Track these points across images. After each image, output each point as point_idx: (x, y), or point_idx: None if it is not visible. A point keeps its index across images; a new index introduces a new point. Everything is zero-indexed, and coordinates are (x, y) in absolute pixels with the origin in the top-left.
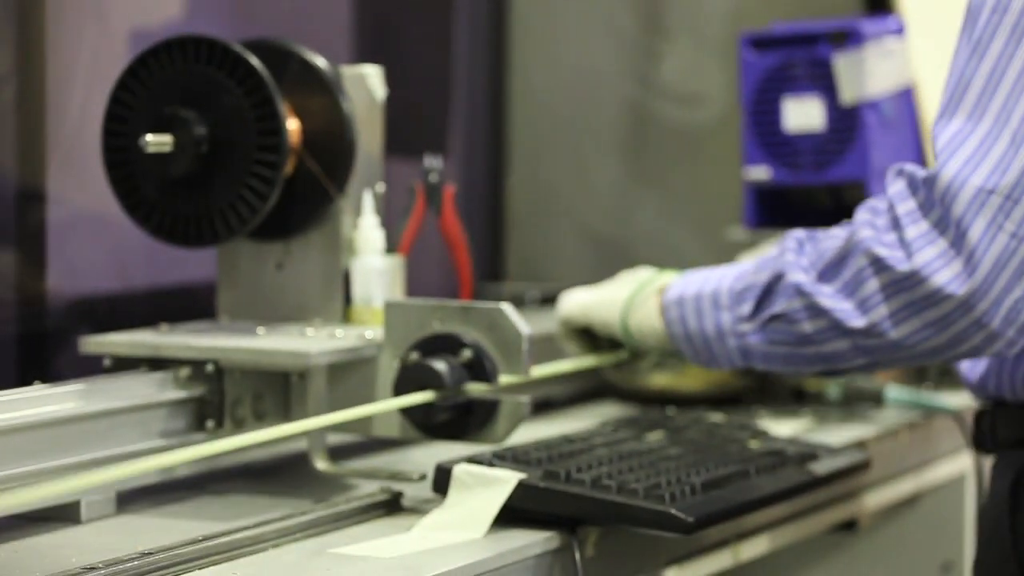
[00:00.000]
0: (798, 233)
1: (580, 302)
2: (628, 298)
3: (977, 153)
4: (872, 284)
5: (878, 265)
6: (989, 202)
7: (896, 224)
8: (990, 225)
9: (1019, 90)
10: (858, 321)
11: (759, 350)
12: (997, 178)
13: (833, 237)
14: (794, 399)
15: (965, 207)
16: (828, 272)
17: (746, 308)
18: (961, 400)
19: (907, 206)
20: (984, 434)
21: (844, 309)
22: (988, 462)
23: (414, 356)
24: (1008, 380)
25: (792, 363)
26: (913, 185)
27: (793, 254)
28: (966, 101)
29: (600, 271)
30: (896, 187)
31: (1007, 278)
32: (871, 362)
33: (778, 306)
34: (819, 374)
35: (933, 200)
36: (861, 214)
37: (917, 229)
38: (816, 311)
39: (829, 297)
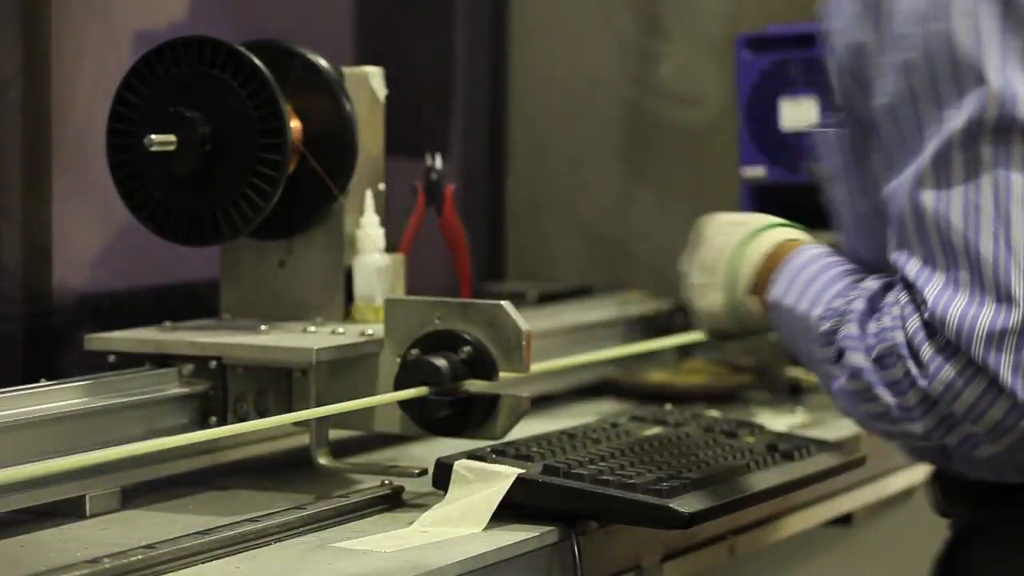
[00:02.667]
0: (871, 290)
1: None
2: (738, 250)
3: (947, 287)
4: (912, 396)
5: (909, 379)
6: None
7: (909, 347)
8: (1001, 351)
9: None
10: (915, 427)
11: (842, 404)
12: (976, 312)
13: (888, 314)
14: (790, 395)
15: (967, 343)
16: (882, 360)
17: (829, 353)
18: None
19: (913, 324)
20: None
21: (898, 406)
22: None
23: (415, 353)
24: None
25: (868, 429)
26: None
27: (857, 326)
28: (910, 238)
29: (599, 270)
30: (903, 311)
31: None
32: (909, 449)
33: (845, 380)
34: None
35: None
36: (893, 310)
37: (928, 350)
38: (875, 398)
39: (885, 391)
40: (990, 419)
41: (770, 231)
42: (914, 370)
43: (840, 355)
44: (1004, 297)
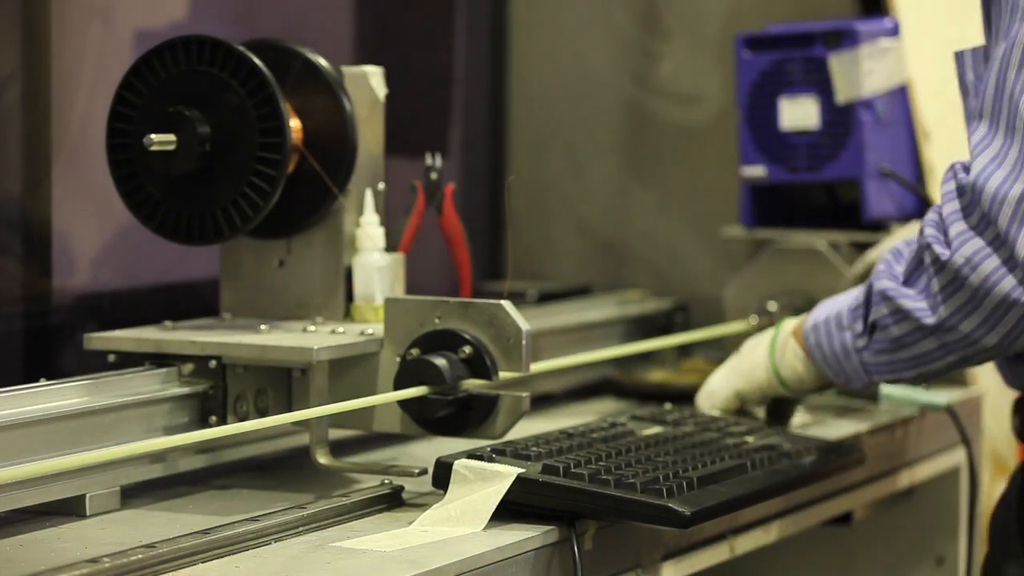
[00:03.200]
0: (895, 244)
1: (728, 388)
2: (769, 353)
3: (998, 156)
4: (936, 282)
5: (937, 264)
6: (1010, 197)
7: (942, 223)
8: (1015, 214)
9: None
10: (931, 318)
11: (871, 363)
12: (1015, 177)
13: (918, 237)
14: None
15: (990, 203)
16: (911, 275)
17: (859, 325)
18: (953, 396)
19: (952, 206)
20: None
21: (920, 308)
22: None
23: (414, 352)
24: None
25: (895, 371)
26: (960, 187)
27: (886, 264)
28: (985, 107)
29: (598, 269)
30: (947, 187)
31: None
32: (960, 359)
33: (873, 314)
34: (918, 379)
35: (973, 201)
36: (930, 213)
37: (956, 228)
38: (901, 314)
39: (910, 299)
40: (998, 292)
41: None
42: (940, 250)
43: (868, 305)
44: None
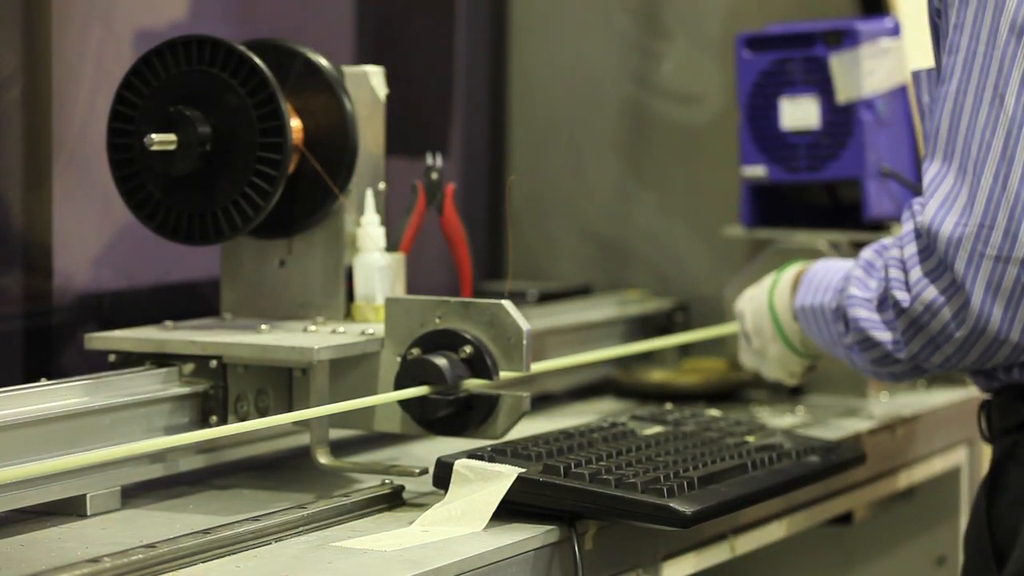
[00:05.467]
0: (867, 254)
1: (782, 371)
2: (777, 333)
3: (948, 197)
4: (900, 323)
5: (898, 308)
6: (964, 238)
7: (903, 266)
8: (971, 257)
9: (973, 129)
10: (902, 353)
11: (859, 365)
12: (965, 220)
13: (885, 264)
14: (790, 394)
15: (945, 247)
16: (881, 303)
17: (840, 327)
18: (953, 396)
19: (911, 248)
20: (982, 425)
21: (889, 341)
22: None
23: (415, 352)
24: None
25: (883, 377)
26: (917, 230)
27: (860, 284)
28: (939, 142)
29: (599, 269)
30: (907, 226)
31: (1006, 295)
32: (942, 373)
33: (850, 337)
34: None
35: (929, 245)
36: (892, 248)
37: (915, 274)
38: (872, 342)
39: (880, 330)
40: (958, 338)
41: (787, 269)
42: (901, 295)
43: (846, 319)
44: (988, 224)
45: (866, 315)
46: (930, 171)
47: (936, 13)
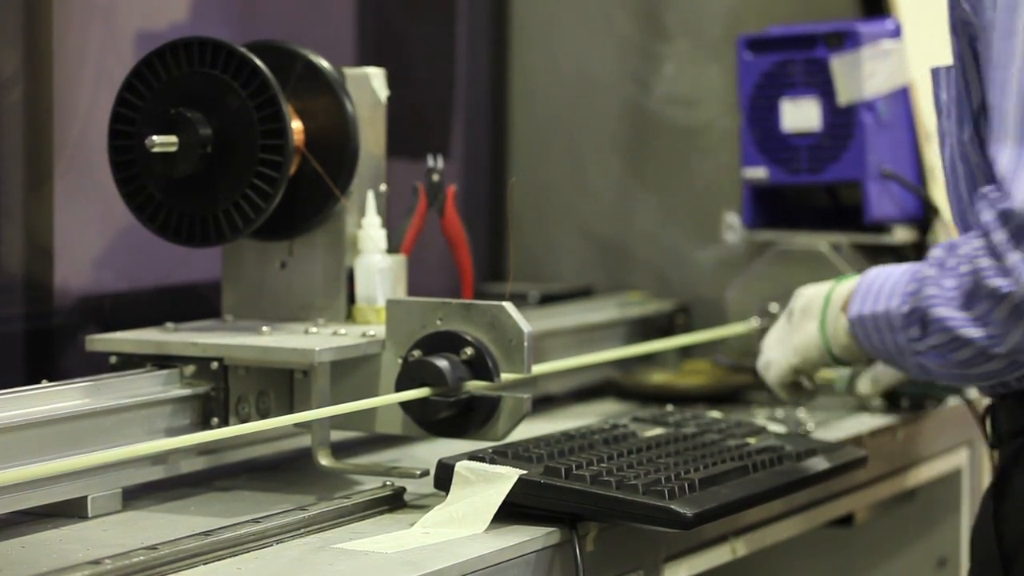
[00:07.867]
0: (936, 253)
1: (784, 362)
2: (820, 330)
3: None
4: (998, 312)
5: (996, 296)
6: None
7: (993, 253)
8: None
9: None
10: (1000, 347)
11: (936, 370)
12: None
13: (963, 259)
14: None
15: None
16: (967, 300)
17: (914, 332)
18: (956, 397)
19: (1001, 235)
20: (986, 429)
21: (982, 336)
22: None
23: (416, 354)
24: None
25: (964, 381)
26: (1003, 214)
27: (936, 284)
28: (1009, 126)
29: (600, 271)
30: (987, 215)
31: None
32: None
33: (933, 339)
34: (992, 388)
35: (1020, 226)
36: (971, 239)
37: (1013, 258)
38: (962, 342)
39: (972, 327)
40: None
41: (850, 279)
42: (1000, 282)
43: (925, 322)
44: None
45: (951, 314)
46: (1004, 156)
47: (957, 2)
